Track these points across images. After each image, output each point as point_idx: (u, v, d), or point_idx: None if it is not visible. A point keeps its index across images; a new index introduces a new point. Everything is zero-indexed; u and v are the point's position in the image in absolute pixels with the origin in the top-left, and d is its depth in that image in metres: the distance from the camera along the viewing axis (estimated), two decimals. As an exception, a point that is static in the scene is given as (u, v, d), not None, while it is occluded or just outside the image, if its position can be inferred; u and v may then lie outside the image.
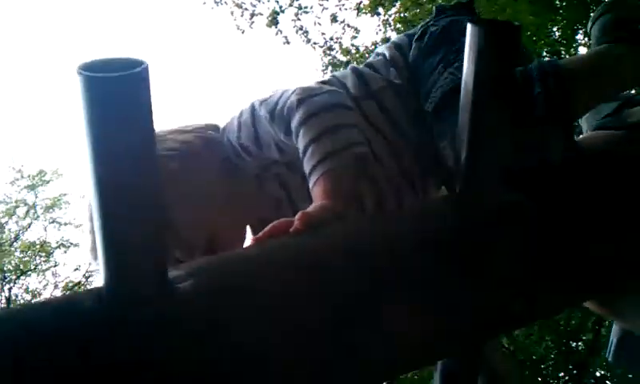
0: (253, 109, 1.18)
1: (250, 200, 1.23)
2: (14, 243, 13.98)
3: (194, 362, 0.70)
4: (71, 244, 14.04)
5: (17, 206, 14.11)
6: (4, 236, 13.86)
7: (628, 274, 1.07)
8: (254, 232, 1.20)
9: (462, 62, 1.02)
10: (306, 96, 1.07)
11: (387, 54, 1.30)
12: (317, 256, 0.83)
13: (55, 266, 13.99)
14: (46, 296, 13.09)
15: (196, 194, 1.17)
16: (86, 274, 13.34)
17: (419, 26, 1.33)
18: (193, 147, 1.20)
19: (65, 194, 14.40)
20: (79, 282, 13.42)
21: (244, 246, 0.90)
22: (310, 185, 1.01)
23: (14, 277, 13.52)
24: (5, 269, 13.31)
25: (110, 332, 0.69)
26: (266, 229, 0.90)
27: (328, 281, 0.80)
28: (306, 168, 1.02)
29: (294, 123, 1.06)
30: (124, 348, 0.68)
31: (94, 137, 0.65)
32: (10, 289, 13.37)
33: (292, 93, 1.09)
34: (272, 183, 1.20)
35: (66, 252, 14.02)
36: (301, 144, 1.04)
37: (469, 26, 0.87)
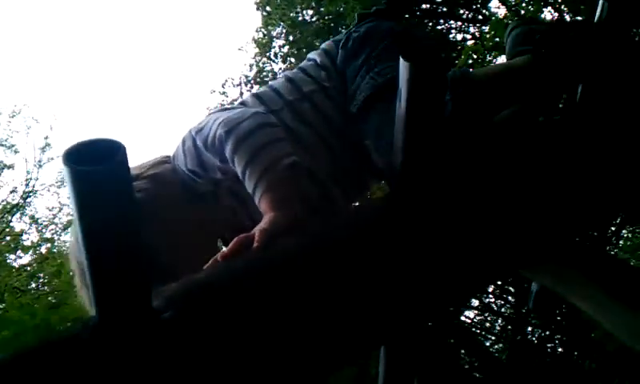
0: (192, 137, 1.28)
1: (213, 214, 1.35)
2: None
3: None
4: (5, 166, 13.66)
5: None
6: None
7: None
8: (224, 243, 1.34)
9: (381, 67, 1.22)
10: (231, 126, 1.19)
11: (318, 60, 1.43)
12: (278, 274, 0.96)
13: (-10, 188, 13.66)
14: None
15: (170, 223, 1.29)
16: (24, 196, 13.09)
17: (344, 32, 1.45)
18: (156, 185, 1.32)
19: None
20: (17, 204, 13.18)
21: (214, 264, 1.02)
22: (257, 203, 1.14)
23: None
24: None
25: (102, 360, 0.82)
26: (230, 246, 1.03)
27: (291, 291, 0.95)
28: (249, 189, 1.15)
29: (228, 153, 1.18)
30: (114, 374, 0.82)
31: (81, 207, 0.75)
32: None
33: (218, 125, 1.20)
34: (226, 196, 1.32)
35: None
36: (238, 170, 1.17)
37: (401, 61, 0.98)
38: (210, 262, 1.04)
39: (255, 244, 1.01)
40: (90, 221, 0.75)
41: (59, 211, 13.85)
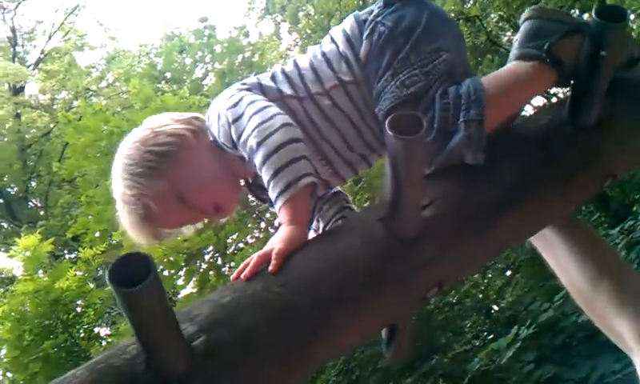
0: (227, 119, 1.44)
1: (236, 166, 1.55)
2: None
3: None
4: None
5: None
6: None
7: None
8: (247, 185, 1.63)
9: (406, 75, 1.40)
10: (263, 138, 1.35)
11: (340, 47, 1.48)
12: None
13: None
14: None
15: (197, 172, 1.51)
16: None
17: (369, 14, 1.47)
18: (186, 139, 1.51)
19: None
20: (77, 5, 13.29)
21: (233, 285, 1.26)
22: (276, 210, 1.35)
23: None
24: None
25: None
26: (251, 266, 1.24)
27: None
28: (271, 197, 1.35)
29: (257, 164, 1.37)
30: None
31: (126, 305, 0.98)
32: None
33: (251, 133, 1.37)
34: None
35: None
36: (265, 179, 1.36)
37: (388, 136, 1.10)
38: (235, 275, 1.27)
39: (272, 266, 1.22)
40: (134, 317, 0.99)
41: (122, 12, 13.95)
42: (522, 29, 1.49)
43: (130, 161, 1.49)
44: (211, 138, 1.53)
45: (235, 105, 1.44)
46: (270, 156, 1.33)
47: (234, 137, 1.42)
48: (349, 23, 1.53)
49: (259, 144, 1.35)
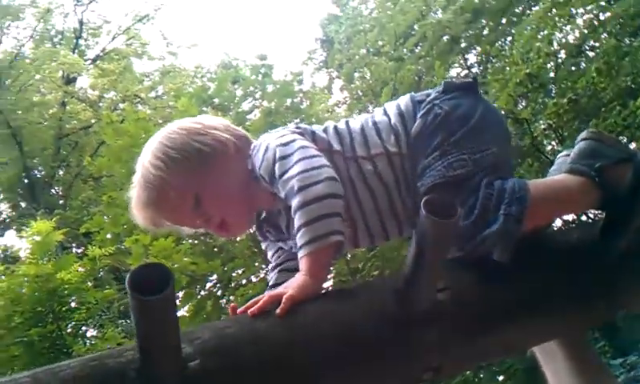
0: (274, 154, 1.47)
1: (261, 197, 1.57)
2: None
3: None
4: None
5: None
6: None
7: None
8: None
9: (455, 158, 1.43)
10: (305, 184, 1.38)
11: (392, 120, 1.54)
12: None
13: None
14: None
15: (224, 184, 1.54)
16: (155, 8, 13.52)
17: (426, 96, 1.52)
18: (228, 151, 1.56)
19: None
20: (147, 15, 13.71)
21: (244, 315, 1.27)
22: (299, 256, 1.37)
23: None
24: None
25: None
26: (260, 304, 1.26)
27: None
28: (298, 243, 1.37)
29: (293, 206, 1.39)
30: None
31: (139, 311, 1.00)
32: None
33: (296, 175, 1.39)
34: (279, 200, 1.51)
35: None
36: (296, 223, 1.38)
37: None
38: (242, 309, 1.28)
39: (280, 310, 1.24)
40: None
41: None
42: (577, 146, 1.52)
43: (170, 143, 1.53)
44: (249, 167, 1.56)
45: (286, 144, 1.48)
46: (308, 204, 1.36)
47: (277, 173, 1.45)
48: (404, 100, 1.58)
49: (301, 189, 1.38)
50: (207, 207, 1.53)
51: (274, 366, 1.18)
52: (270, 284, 1.62)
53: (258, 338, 1.21)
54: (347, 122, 1.61)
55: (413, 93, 1.61)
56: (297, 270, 1.37)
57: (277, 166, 1.45)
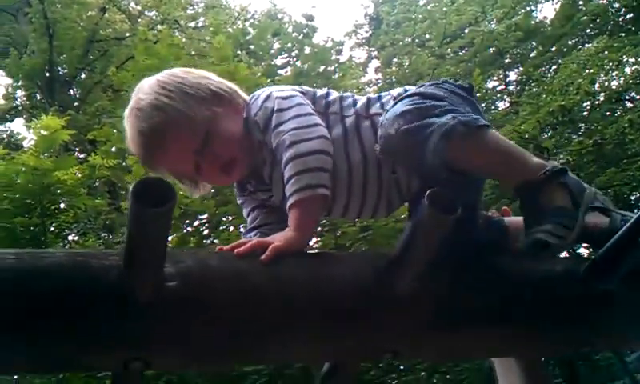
0: (273, 104, 1.53)
1: (253, 149, 1.60)
2: None
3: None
4: None
5: None
6: None
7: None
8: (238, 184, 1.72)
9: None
10: (297, 140, 1.44)
11: (394, 94, 1.62)
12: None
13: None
14: None
15: (233, 128, 1.59)
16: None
17: None
18: (239, 103, 1.64)
19: None
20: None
21: (228, 252, 1.30)
22: (288, 205, 1.42)
23: None
24: None
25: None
26: (247, 246, 1.29)
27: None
28: (287, 193, 1.42)
29: (284, 159, 1.44)
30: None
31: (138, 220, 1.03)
32: None
33: (289, 131, 1.46)
34: (268, 154, 1.57)
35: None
36: (286, 175, 1.43)
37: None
38: (228, 247, 1.32)
39: (265, 256, 1.27)
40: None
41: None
42: None
43: (185, 82, 1.57)
44: (245, 115, 1.61)
45: (286, 98, 1.55)
46: (300, 156, 1.42)
47: (272, 123, 1.51)
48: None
49: (293, 143, 1.44)
50: (216, 146, 1.55)
51: (248, 308, 1.22)
52: None
53: (239, 277, 1.24)
54: (353, 94, 1.69)
55: None
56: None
57: (274, 115, 1.51)
